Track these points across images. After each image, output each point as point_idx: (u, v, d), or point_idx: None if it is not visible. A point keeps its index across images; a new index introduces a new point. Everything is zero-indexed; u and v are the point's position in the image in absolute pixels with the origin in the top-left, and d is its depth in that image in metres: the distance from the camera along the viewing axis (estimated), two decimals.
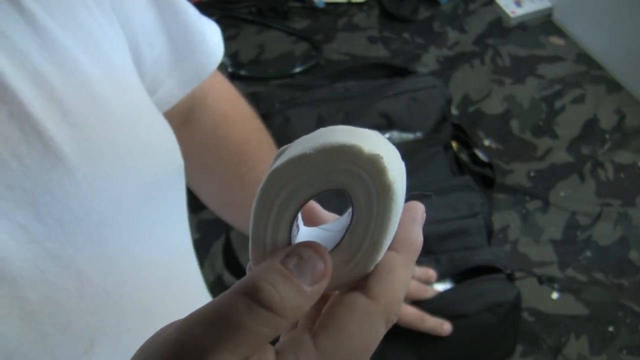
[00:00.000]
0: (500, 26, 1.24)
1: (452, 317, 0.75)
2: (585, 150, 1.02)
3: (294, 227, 0.25)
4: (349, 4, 1.32)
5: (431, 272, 0.78)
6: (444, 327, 0.73)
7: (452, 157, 0.97)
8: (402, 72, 1.10)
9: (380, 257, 0.25)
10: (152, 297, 0.43)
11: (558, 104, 1.09)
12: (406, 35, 1.25)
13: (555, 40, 1.20)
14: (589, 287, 0.86)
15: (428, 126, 0.97)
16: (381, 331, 0.24)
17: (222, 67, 0.61)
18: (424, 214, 0.27)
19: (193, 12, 0.55)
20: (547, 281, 0.87)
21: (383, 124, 0.97)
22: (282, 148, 0.26)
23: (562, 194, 0.97)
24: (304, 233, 0.27)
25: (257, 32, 1.27)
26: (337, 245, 0.25)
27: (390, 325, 0.25)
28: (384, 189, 0.24)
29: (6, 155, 0.34)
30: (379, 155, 0.23)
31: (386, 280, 0.25)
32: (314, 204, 0.30)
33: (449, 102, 1.01)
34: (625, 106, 1.07)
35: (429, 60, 1.20)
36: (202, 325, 0.22)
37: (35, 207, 0.35)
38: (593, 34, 1.16)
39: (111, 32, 0.43)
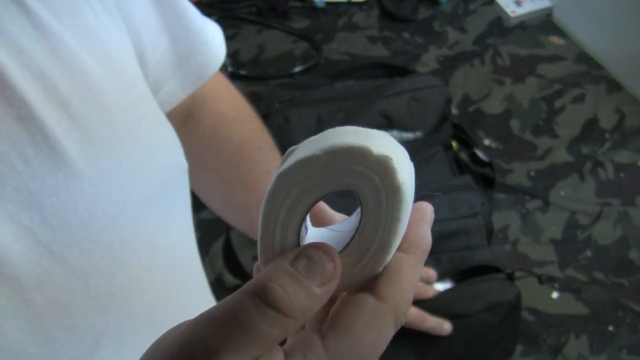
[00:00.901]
0: (500, 26, 1.24)
1: (452, 316, 0.75)
2: (585, 149, 1.02)
3: (303, 228, 0.25)
4: (349, 3, 1.32)
5: (431, 272, 0.78)
6: (444, 326, 0.73)
7: (452, 157, 0.97)
8: (402, 71, 1.10)
9: (389, 258, 0.25)
10: (157, 298, 0.43)
11: (558, 103, 1.09)
12: (406, 35, 1.25)
13: (555, 39, 1.21)
14: (589, 287, 0.86)
15: (428, 126, 0.97)
16: (390, 332, 0.24)
17: (222, 67, 0.61)
18: (433, 214, 0.27)
19: (195, 13, 0.55)
20: (547, 281, 0.87)
21: (383, 124, 0.97)
22: (290, 149, 0.26)
23: (562, 193, 0.97)
24: (312, 234, 0.27)
25: (257, 32, 1.27)
26: (346, 247, 0.25)
27: (399, 326, 0.25)
28: (393, 190, 0.24)
29: (13, 157, 0.34)
30: (388, 156, 0.23)
31: (395, 281, 0.25)
32: (321, 204, 0.30)
33: (449, 101, 1.01)
34: (625, 106, 1.07)
35: (429, 60, 1.20)
36: (211, 326, 0.22)
37: (41, 209, 0.35)
38: (593, 33, 1.16)
39: (116, 34, 0.43)
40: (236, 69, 1.20)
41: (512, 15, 1.24)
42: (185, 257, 0.51)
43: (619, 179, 0.98)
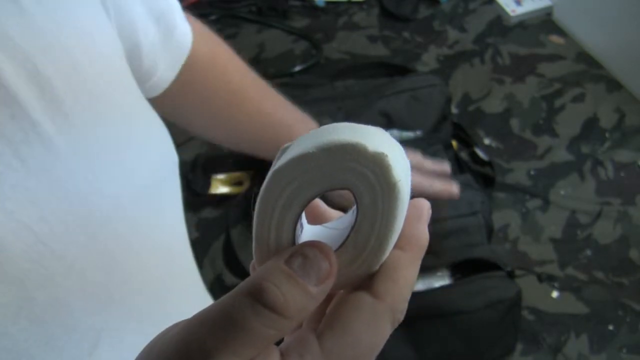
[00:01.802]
0: (500, 25, 1.24)
1: (452, 313, 0.75)
2: (585, 149, 1.02)
3: (298, 226, 0.25)
4: (349, 2, 1.31)
5: (445, 166, 0.77)
6: (454, 187, 0.72)
7: (452, 156, 0.97)
8: (402, 70, 1.10)
9: (385, 256, 0.25)
10: (153, 295, 0.43)
11: (558, 102, 1.09)
12: (406, 34, 1.25)
13: (556, 39, 1.20)
14: (589, 286, 0.86)
15: (428, 125, 0.97)
16: (387, 330, 0.24)
17: None
18: (430, 211, 0.27)
19: None
20: (547, 280, 0.87)
21: (383, 123, 0.96)
22: (284, 146, 0.26)
23: (562, 192, 0.97)
24: (308, 232, 0.27)
25: (257, 31, 1.27)
26: (342, 245, 0.25)
27: (396, 325, 0.25)
28: (389, 187, 0.24)
29: (9, 155, 0.34)
30: (383, 153, 0.23)
31: (392, 279, 0.25)
32: (317, 201, 0.30)
33: (449, 100, 1.01)
34: (625, 105, 1.07)
35: (429, 59, 1.19)
36: (206, 326, 0.22)
37: (38, 207, 0.35)
38: (593, 32, 1.16)
39: (107, 32, 0.43)
40: None
41: (512, 14, 1.23)
42: (179, 252, 0.51)
43: (619, 178, 0.98)
